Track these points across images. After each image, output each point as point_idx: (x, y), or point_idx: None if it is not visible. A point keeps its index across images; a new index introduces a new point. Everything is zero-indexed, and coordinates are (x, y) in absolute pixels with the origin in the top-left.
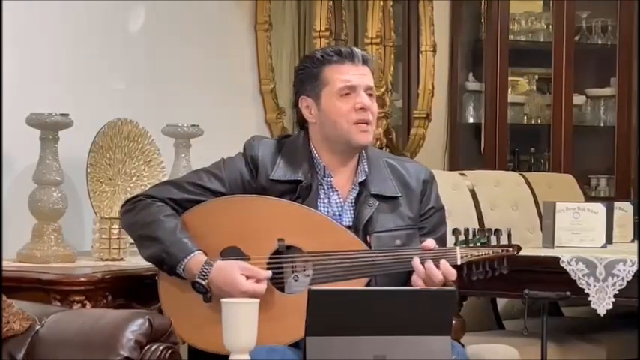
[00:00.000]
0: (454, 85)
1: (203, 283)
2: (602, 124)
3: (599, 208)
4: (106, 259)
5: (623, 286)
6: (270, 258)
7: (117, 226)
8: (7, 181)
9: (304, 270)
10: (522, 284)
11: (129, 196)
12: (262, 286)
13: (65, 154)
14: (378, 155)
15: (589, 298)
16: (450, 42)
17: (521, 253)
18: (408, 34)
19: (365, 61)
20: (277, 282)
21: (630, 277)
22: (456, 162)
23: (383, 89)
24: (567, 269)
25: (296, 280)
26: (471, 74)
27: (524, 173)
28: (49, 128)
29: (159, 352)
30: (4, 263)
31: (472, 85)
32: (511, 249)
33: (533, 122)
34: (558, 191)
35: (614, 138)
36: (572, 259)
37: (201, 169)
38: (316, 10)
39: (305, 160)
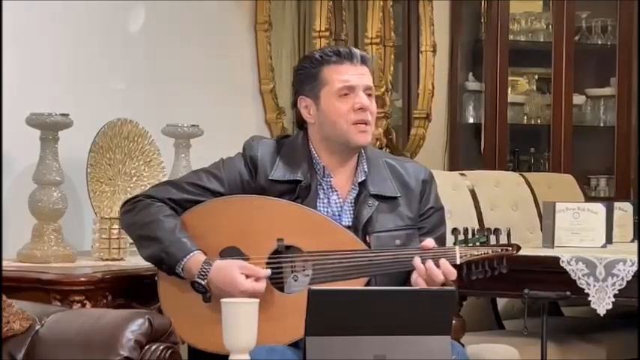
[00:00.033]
0: (454, 85)
1: (202, 282)
2: (602, 124)
3: (599, 208)
4: (106, 259)
5: (623, 286)
6: (269, 258)
7: (117, 226)
8: (7, 181)
9: (304, 270)
10: (522, 284)
11: (129, 196)
12: (262, 285)
13: (65, 154)
14: (377, 155)
15: (589, 298)
16: (450, 42)
17: (521, 253)
18: (408, 34)
19: (364, 61)
20: (277, 282)
21: (630, 277)
22: (456, 162)
23: (383, 89)
24: (567, 269)
25: (295, 280)
26: (470, 74)
27: (524, 173)
28: (49, 128)
29: (159, 352)
30: (4, 263)
31: (472, 85)
32: (510, 248)
33: (533, 122)
34: (558, 191)
35: (614, 138)
36: (572, 259)
37: (200, 169)
38: (316, 10)
39: (304, 160)
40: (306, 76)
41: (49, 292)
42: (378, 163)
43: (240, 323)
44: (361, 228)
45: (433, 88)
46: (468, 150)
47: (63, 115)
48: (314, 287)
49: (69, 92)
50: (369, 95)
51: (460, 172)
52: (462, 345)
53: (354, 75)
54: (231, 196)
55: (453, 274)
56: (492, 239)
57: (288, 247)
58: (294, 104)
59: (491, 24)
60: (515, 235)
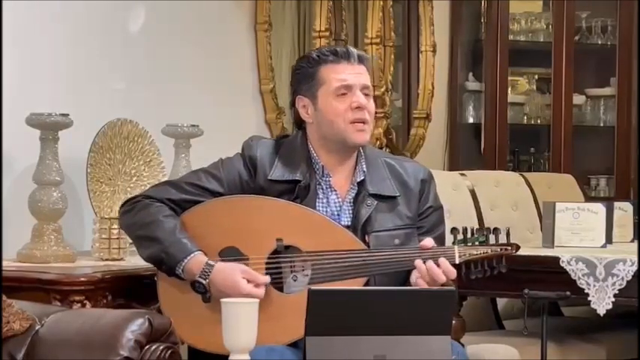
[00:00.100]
0: (454, 85)
1: (204, 282)
2: (602, 124)
3: (599, 208)
4: (106, 259)
5: (623, 286)
6: (268, 258)
7: (117, 226)
8: (7, 181)
9: (303, 270)
10: (522, 284)
11: (129, 196)
12: (261, 291)
13: (65, 154)
14: (376, 155)
15: (589, 298)
16: (450, 42)
17: (522, 253)
18: (408, 34)
19: (361, 60)
20: (276, 282)
21: (630, 277)
22: (456, 162)
23: (383, 89)
24: (567, 269)
25: (295, 280)
26: (470, 74)
27: (524, 173)
28: (49, 128)
29: (159, 352)
30: (4, 263)
31: (472, 85)
32: (510, 248)
33: (533, 122)
34: (558, 191)
35: (614, 138)
36: (572, 259)
37: (199, 170)
38: (316, 10)
39: (303, 160)
40: (304, 76)
41: (49, 292)
42: (377, 163)
43: (240, 323)
44: (360, 227)
45: (433, 88)
46: (468, 150)
47: (63, 115)
48: (314, 287)
49: (69, 92)
50: (367, 94)
51: (460, 172)
52: (462, 345)
53: (351, 74)
54: (230, 196)
55: (453, 273)
56: (491, 239)
57: (287, 247)
58: (292, 104)
59: (491, 24)
60: (515, 235)
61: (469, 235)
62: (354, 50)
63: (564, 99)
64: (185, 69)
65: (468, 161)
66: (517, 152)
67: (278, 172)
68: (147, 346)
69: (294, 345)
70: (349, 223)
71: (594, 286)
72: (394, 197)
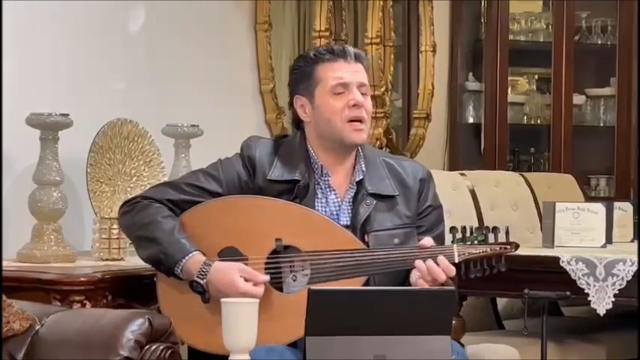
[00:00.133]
0: (454, 85)
1: (201, 282)
2: (602, 124)
3: (599, 208)
4: (106, 259)
5: (623, 286)
6: (268, 258)
7: (117, 226)
8: (7, 181)
9: (302, 270)
10: (522, 284)
11: (129, 196)
12: (260, 290)
13: (65, 154)
14: (375, 154)
15: (589, 298)
16: (450, 42)
17: (522, 252)
18: (408, 34)
19: (358, 59)
20: (275, 282)
21: (630, 277)
22: (456, 162)
23: (383, 89)
24: (567, 269)
25: (294, 280)
26: (470, 74)
27: (524, 173)
28: (49, 128)
29: (159, 352)
30: (4, 263)
31: (472, 85)
32: (509, 247)
33: (533, 122)
34: (558, 191)
35: (614, 138)
36: (572, 259)
37: (198, 170)
38: (316, 10)
39: (302, 160)
40: (301, 75)
41: (49, 292)
42: (375, 162)
43: (240, 323)
44: (359, 227)
45: (433, 88)
46: (468, 150)
47: (63, 115)
48: (314, 287)
49: (69, 92)
50: (364, 93)
51: (460, 172)
52: (462, 345)
53: (347, 72)
54: (229, 196)
55: (453, 270)
56: (491, 237)
57: (286, 247)
58: (291, 104)
59: (491, 24)
60: (515, 235)
61: (468, 234)
62: (350, 49)
63: (564, 99)
64: (185, 69)
65: (468, 161)
66: (517, 152)
67: (277, 172)
68: (147, 346)
69: (293, 345)
70: (348, 223)
71: (594, 286)
72: (393, 196)
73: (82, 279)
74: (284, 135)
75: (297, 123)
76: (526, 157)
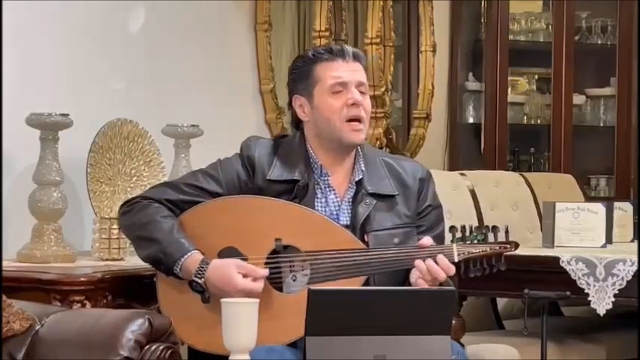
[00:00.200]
0: (454, 85)
1: (200, 281)
2: (602, 124)
3: (599, 208)
4: (106, 259)
5: (623, 286)
6: (267, 258)
7: (117, 226)
8: (7, 181)
9: (302, 270)
10: (522, 284)
11: (129, 196)
12: (259, 285)
13: (65, 154)
14: (374, 154)
15: (589, 298)
16: (450, 42)
17: (522, 252)
18: (408, 34)
19: (356, 58)
20: (275, 282)
21: (630, 277)
22: (456, 162)
23: (383, 89)
24: (567, 269)
25: (294, 280)
26: (470, 74)
27: (524, 173)
28: (49, 128)
29: (159, 352)
30: (4, 263)
31: (472, 85)
32: (508, 246)
33: (533, 122)
34: (558, 191)
35: (614, 138)
36: (572, 259)
37: (198, 170)
38: (316, 10)
39: (301, 160)
40: (300, 75)
41: (49, 292)
42: (375, 162)
43: (240, 323)
44: (359, 227)
45: (433, 88)
46: (468, 150)
47: (63, 115)
48: (314, 287)
49: (69, 92)
50: (363, 92)
51: (460, 172)
52: (462, 345)
53: (346, 71)
54: (229, 196)
55: (452, 269)
56: (490, 237)
57: (286, 247)
58: (290, 104)
59: (491, 24)
60: (515, 235)
61: (468, 233)
62: (349, 48)
63: (564, 99)
64: (185, 69)
65: (468, 161)
66: (517, 152)
67: (276, 172)
68: (147, 346)
69: (293, 345)
70: (348, 223)
71: (594, 286)
72: (393, 196)
73: (82, 279)
74: (283, 135)
75: (297, 123)
76: (526, 157)
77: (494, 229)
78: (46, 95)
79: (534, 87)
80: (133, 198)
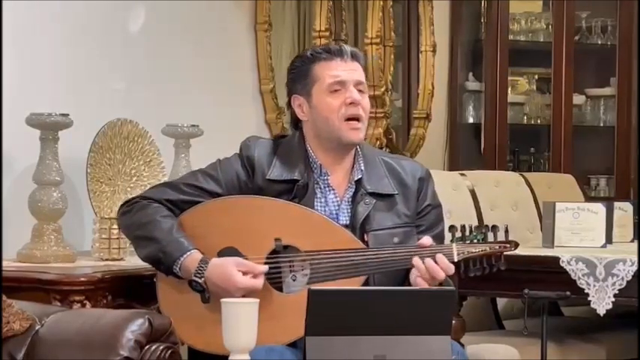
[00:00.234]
0: (454, 85)
1: (200, 281)
2: (602, 124)
3: (599, 208)
4: (106, 259)
5: (623, 286)
6: (267, 258)
7: (117, 226)
8: (7, 181)
9: (302, 270)
10: (522, 284)
11: (129, 196)
12: (259, 282)
13: (65, 154)
14: (374, 153)
15: (589, 298)
16: (450, 42)
17: (521, 252)
18: (408, 34)
19: (354, 57)
20: (275, 282)
21: (630, 277)
22: (456, 162)
23: (383, 89)
24: (567, 269)
25: (294, 280)
26: (470, 74)
27: (524, 173)
28: (49, 128)
29: (159, 352)
30: (4, 263)
31: (472, 85)
32: (508, 245)
33: (533, 122)
34: (558, 191)
35: (614, 138)
36: (572, 259)
37: (197, 170)
38: (316, 10)
39: (301, 160)
40: (298, 75)
41: (49, 292)
42: (374, 161)
43: (240, 323)
44: (359, 226)
45: (433, 88)
46: (468, 150)
47: (63, 115)
48: (314, 287)
49: (69, 92)
50: (361, 91)
51: (460, 172)
52: (462, 345)
53: (344, 70)
54: (229, 196)
55: (451, 269)
56: (490, 236)
57: (285, 247)
58: (289, 104)
59: (491, 24)
60: (515, 235)
61: (467, 233)
62: (347, 47)
63: (564, 99)
64: (185, 69)
65: (468, 161)
66: (517, 152)
67: (276, 171)
68: (147, 346)
69: (293, 345)
70: (348, 222)
71: (594, 286)
72: (392, 195)
73: (82, 279)
74: (283, 135)
75: (296, 123)
76: (526, 157)
77: (494, 228)
78: (46, 95)
79: (534, 87)
80: (133, 198)
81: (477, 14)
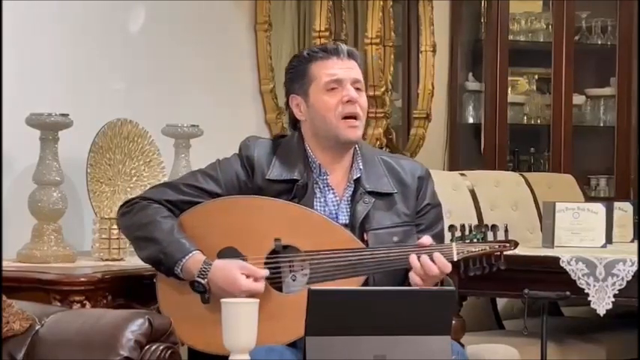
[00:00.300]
0: (454, 85)
1: (202, 282)
2: (602, 124)
3: (599, 208)
4: (106, 260)
5: (623, 286)
6: (267, 258)
7: (117, 227)
8: (7, 181)
9: (302, 269)
10: (522, 284)
11: (129, 196)
12: (261, 285)
13: (65, 154)
14: (373, 152)
15: (589, 298)
16: (450, 42)
17: (521, 252)
18: (407, 34)
19: (351, 56)
20: (275, 282)
21: (630, 277)
22: (456, 162)
23: (383, 89)
24: (567, 269)
25: (294, 280)
26: (470, 74)
27: (524, 173)
28: (49, 128)
29: (159, 352)
30: (4, 263)
31: (472, 85)
32: (508, 245)
33: (533, 122)
34: (558, 191)
35: (614, 138)
36: (572, 259)
37: (197, 171)
38: (316, 10)
39: (300, 159)
40: (296, 75)
41: (49, 292)
42: (373, 160)
43: (240, 323)
44: (358, 225)
45: (433, 88)
46: (468, 150)
47: (63, 115)
48: (314, 287)
49: (69, 92)
50: (358, 89)
51: (460, 172)
52: (462, 345)
53: (341, 69)
54: (228, 196)
55: (448, 267)
56: (490, 236)
57: (285, 247)
58: (287, 104)
59: (491, 24)
60: (515, 235)
61: (467, 232)
62: (343, 46)
63: (564, 99)
64: (185, 69)
65: (468, 161)
66: (517, 152)
67: (276, 171)
68: (147, 346)
69: (293, 345)
70: (347, 221)
71: (594, 286)
72: (391, 195)
73: (82, 279)
74: (282, 135)
75: (294, 123)
76: (526, 157)
77: (494, 228)
78: (46, 95)
79: (534, 87)
80: (133, 198)
81: (476, 14)
